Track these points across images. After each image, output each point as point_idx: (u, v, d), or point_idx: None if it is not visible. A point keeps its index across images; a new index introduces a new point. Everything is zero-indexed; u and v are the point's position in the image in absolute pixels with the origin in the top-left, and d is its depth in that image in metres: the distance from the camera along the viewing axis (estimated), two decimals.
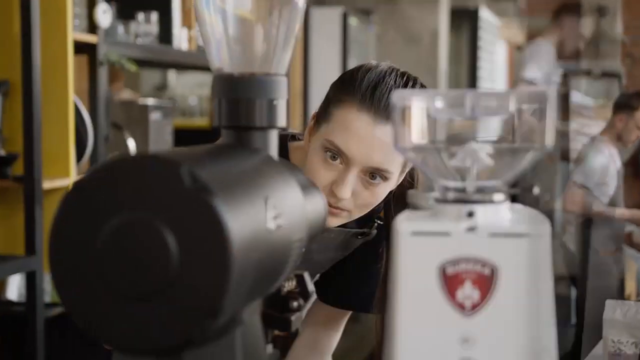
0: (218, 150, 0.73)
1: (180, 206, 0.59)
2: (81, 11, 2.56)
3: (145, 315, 0.60)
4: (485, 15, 7.39)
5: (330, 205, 1.24)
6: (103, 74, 2.59)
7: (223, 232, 0.58)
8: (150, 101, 3.10)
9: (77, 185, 0.61)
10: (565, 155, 4.83)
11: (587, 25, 4.67)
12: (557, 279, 4.95)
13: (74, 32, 2.47)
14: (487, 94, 0.68)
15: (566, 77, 4.52)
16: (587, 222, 3.92)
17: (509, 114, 0.68)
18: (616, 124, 3.84)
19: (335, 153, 1.23)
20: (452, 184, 0.70)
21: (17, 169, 2.34)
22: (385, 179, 1.24)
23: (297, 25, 0.82)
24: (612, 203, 3.98)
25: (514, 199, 0.73)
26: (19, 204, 2.34)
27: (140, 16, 2.94)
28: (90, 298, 0.61)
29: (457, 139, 0.71)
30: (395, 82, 1.24)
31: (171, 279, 0.59)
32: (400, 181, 1.31)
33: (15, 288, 2.60)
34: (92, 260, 0.60)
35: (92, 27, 2.58)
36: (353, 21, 4.75)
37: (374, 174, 1.23)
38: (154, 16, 2.97)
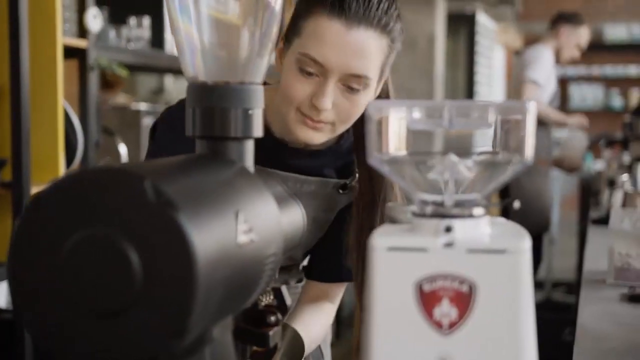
0: (190, 162, 0.71)
1: (143, 221, 0.57)
2: (71, 15, 2.54)
3: (107, 333, 0.58)
4: (483, 20, 7.37)
5: (312, 119, 1.23)
6: (93, 78, 2.56)
7: (187, 248, 0.56)
8: (143, 106, 3.07)
9: (38, 197, 0.58)
10: (558, 163, 4.83)
11: (584, 33, 4.69)
12: None
13: (64, 37, 2.45)
14: (466, 106, 0.66)
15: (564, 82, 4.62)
16: None
17: (488, 126, 0.66)
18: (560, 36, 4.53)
19: (310, 66, 1.21)
20: (430, 197, 0.68)
21: (6, 174, 2.32)
22: (364, 86, 1.22)
23: (274, 31, 0.80)
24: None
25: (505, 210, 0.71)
26: (7, 210, 2.31)
27: (132, 20, 2.92)
28: (51, 314, 0.58)
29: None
30: None
31: (134, 296, 0.57)
32: (378, 92, 1.30)
33: (3, 295, 2.57)
34: (53, 275, 0.58)
35: (83, 32, 2.56)
36: None
37: (352, 86, 1.22)
38: (146, 21, 2.95)
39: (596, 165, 7.95)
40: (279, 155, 1.35)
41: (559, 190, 5.88)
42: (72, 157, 2.51)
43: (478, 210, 0.67)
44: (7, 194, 2.30)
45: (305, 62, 1.21)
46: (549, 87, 4.58)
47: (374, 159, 0.67)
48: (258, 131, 0.77)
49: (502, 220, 0.72)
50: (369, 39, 1.20)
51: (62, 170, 2.42)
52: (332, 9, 1.19)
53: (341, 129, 1.27)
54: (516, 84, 4.57)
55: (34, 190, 2.32)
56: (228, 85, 0.76)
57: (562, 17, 4.62)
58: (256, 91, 0.77)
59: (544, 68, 4.44)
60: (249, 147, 0.77)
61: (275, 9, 0.79)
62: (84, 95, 2.57)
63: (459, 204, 0.67)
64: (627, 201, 2.81)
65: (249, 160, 0.77)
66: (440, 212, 0.66)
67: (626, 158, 4.00)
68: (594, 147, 9.63)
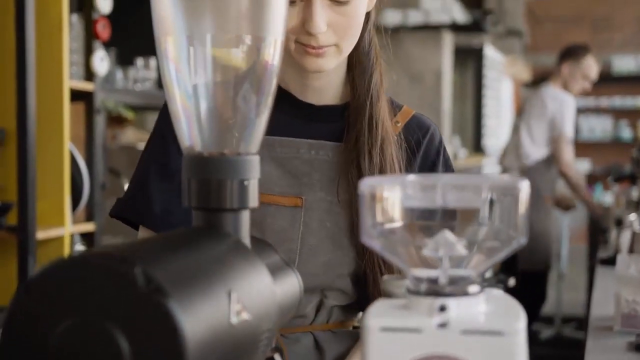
0: (183, 237, 0.70)
1: (134, 308, 0.56)
2: (79, 58, 2.56)
3: None
4: (490, 53, 7.39)
5: (312, 47, 1.17)
6: (100, 121, 2.58)
7: (178, 336, 0.56)
8: None
9: (28, 284, 0.58)
10: (556, 202, 4.80)
11: (589, 64, 4.69)
12: None
13: (71, 80, 2.47)
14: (460, 183, 0.66)
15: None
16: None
17: (482, 202, 0.66)
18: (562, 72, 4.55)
19: None
20: (424, 273, 0.67)
21: (11, 218, 2.32)
22: None
23: (270, 100, 0.80)
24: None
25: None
26: (12, 254, 2.31)
27: (139, 62, 2.94)
28: None
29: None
30: None
31: None
32: None
33: None
34: None
35: (90, 75, 2.58)
36: None
37: None
38: (153, 62, 2.97)
39: (605, 198, 7.92)
40: (302, 117, 1.28)
41: (567, 223, 5.86)
42: (78, 200, 2.51)
43: (473, 288, 0.66)
44: (13, 238, 2.30)
45: None
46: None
47: (366, 235, 0.67)
48: (254, 201, 0.77)
49: (499, 293, 0.71)
50: None
51: (68, 213, 2.43)
52: None
53: (347, 47, 1.20)
54: (527, 120, 4.52)
55: (40, 234, 2.33)
56: (224, 157, 0.76)
57: (564, 54, 4.67)
58: (252, 161, 0.77)
59: (572, 117, 4.50)
60: (245, 217, 0.77)
61: (272, 80, 0.79)
62: (91, 137, 2.58)
63: (453, 281, 0.66)
64: (635, 241, 2.79)
65: (245, 231, 0.77)
66: (434, 290, 0.66)
67: (635, 193, 3.97)
68: (602, 179, 9.62)
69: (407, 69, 5.26)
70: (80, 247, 2.72)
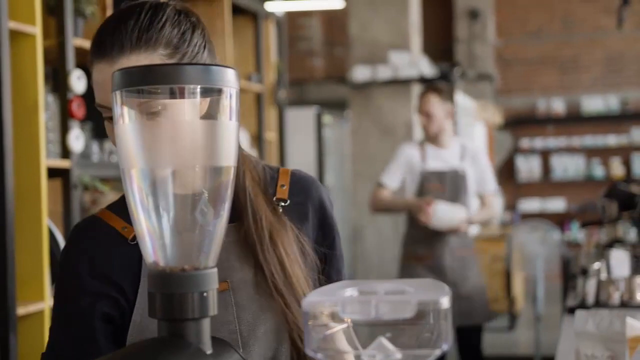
0: (145, 350, 0.79)
1: None
2: (55, 136, 2.64)
3: None
4: (461, 100, 7.55)
5: None
6: (76, 197, 2.66)
7: None
8: None
9: None
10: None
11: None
12: None
13: (48, 159, 2.55)
14: (391, 299, 0.75)
15: None
16: None
17: (411, 315, 0.74)
18: None
19: (105, 112, 1.18)
20: None
21: None
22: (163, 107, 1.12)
23: (226, 216, 0.89)
24: None
25: None
26: None
27: None
28: None
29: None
30: (121, 13, 1.20)
31: None
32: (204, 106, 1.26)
33: None
34: None
35: (66, 152, 2.66)
36: (327, 119, 4.88)
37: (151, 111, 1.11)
38: None
39: (580, 235, 8.03)
40: None
41: (542, 266, 5.95)
42: (56, 273, 2.58)
43: None
44: None
45: (102, 111, 1.20)
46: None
47: (309, 347, 0.76)
48: (214, 309, 0.86)
49: None
50: (132, 62, 1.17)
51: (47, 288, 2.49)
52: (95, 54, 1.19)
53: None
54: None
55: (20, 310, 2.39)
56: (184, 273, 0.85)
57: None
58: (210, 275, 0.86)
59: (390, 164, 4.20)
60: (206, 325, 0.86)
61: (227, 200, 0.88)
62: (68, 212, 2.65)
63: None
64: (601, 289, 2.87)
65: (206, 337, 0.85)
66: None
67: (603, 237, 4.07)
68: (578, 217, 9.78)
69: (378, 122, 5.39)
70: None
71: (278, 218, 1.28)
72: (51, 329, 1.27)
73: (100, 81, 1.19)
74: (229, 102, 0.87)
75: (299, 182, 1.34)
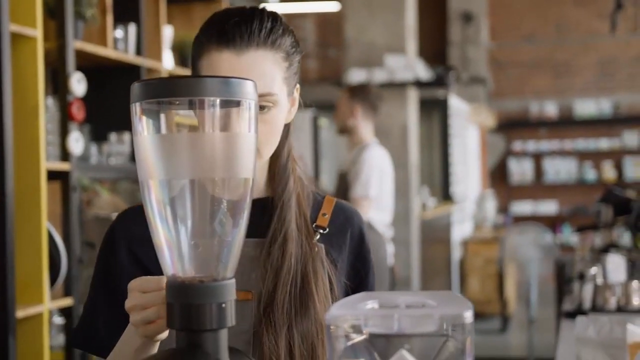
0: None
1: None
2: (54, 139, 2.64)
3: None
4: (455, 102, 7.57)
5: None
6: (76, 198, 2.65)
7: None
8: None
9: None
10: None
11: None
12: None
13: (48, 161, 2.55)
14: (414, 313, 0.75)
15: None
16: None
17: (433, 329, 0.75)
18: None
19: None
20: None
21: None
22: (273, 102, 1.22)
23: (243, 228, 0.89)
24: None
25: None
26: None
27: (113, 137, 3.03)
28: None
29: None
30: (243, 10, 1.24)
31: None
32: (295, 105, 1.31)
33: None
34: None
35: (65, 155, 2.66)
36: (323, 122, 4.88)
37: (259, 104, 1.17)
38: (126, 136, 3.06)
39: (573, 239, 8.04)
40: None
41: (536, 269, 5.98)
42: (56, 276, 2.58)
43: None
44: None
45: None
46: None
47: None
48: (232, 320, 0.86)
49: None
50: (259, 57, 1.21)
51: (46, 291, 2.49)
52: (219, 42, 1.21)
53: (267, 151, 1.26)
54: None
55: (19, 312, 2.38)
56: (202, 284, 0.85)
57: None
58: (228, 286, 0.86)
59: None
60: (224, 336, 0.86)
61: (244, 212, 0.88)
62: (67, 215, 2.65)
63: None
64: (597, 294, 2.88)
65: (223, 348, 0.86)
66: None
67: (598, 241, 4.08)
68: (570, 220, 9.81)
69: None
70: (58, 321, 2.78)
71: (309, 244, 1.28)
72: (85, 307, 1.29)
73: (217, 67, 1.20)
74: (248, 113, 0.88)
75: (341, 212, 1.36)
